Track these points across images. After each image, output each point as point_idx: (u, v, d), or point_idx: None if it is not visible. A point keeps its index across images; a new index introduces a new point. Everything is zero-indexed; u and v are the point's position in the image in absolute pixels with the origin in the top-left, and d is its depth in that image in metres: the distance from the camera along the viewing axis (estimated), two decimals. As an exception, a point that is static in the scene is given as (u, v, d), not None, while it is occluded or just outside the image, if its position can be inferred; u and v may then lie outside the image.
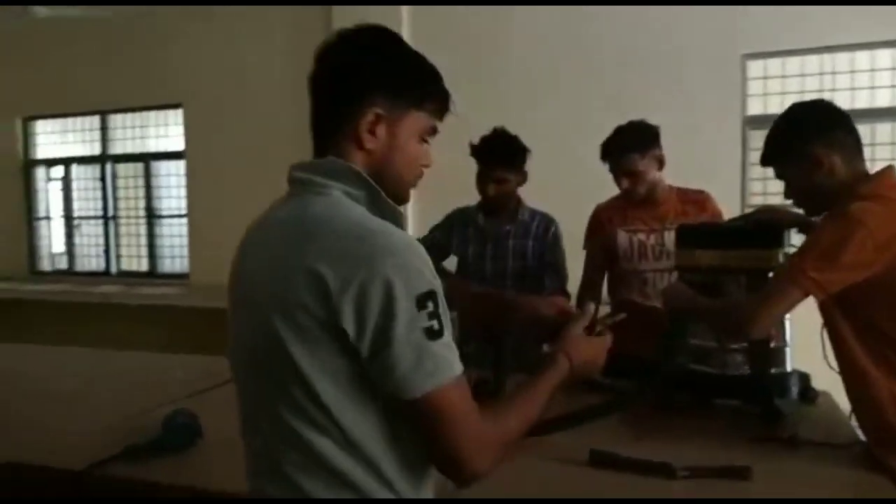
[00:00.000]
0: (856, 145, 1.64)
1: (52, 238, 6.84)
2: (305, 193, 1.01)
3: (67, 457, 1.63)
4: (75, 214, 6.69)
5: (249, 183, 5.71)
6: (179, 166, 6.21)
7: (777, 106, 4.78)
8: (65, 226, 6.73)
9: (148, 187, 6.38)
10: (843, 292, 1.52)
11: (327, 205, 0.98)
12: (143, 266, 6.45)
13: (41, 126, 6.79)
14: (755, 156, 4.70)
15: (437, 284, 0.93)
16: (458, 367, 0.94)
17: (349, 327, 0.89)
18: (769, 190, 4.87)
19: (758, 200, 4.91)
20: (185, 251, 6.22)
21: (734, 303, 1.77)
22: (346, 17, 1.25)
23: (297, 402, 0.93)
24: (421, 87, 1.06)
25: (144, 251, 6.44)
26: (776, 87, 4.76)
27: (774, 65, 4.73)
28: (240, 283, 1.05)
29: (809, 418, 1.89)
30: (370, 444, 0.95)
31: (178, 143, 6.17)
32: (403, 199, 1.08)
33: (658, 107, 4.63)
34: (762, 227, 1.92)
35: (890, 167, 1.64)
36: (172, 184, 6.32)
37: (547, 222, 2.60)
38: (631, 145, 2.36)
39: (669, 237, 2.40)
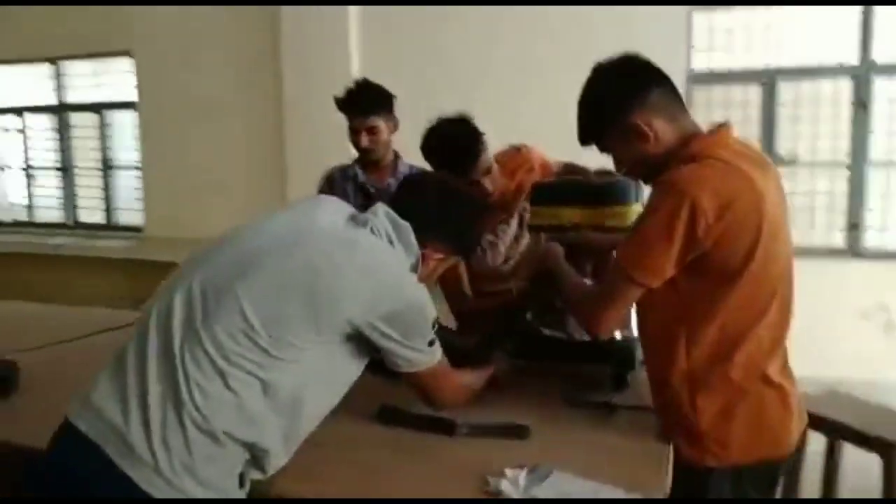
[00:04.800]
0: (676, 101, 1.48)
1: (9, 189, 6.83)
2: (382, 235, 1.36)
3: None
4: (31, 165, 6.66)
5: (200, 136, 5.71)
6: (134, 117, 6.15)
7: (723, 62, 4.68)
8: (23, 176, 6.71)
9: (103, 138, 6.33)
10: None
11: (392, 256, 1.35)
12: (100, 218, 6.44)
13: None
14: (699, 115, 4.65)
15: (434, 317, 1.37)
16: (439, 355, 1.40)
17: (376, 326, 1.27)
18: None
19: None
20: (141, 204, 6.21)
21: (580, 300, 1.59)
22: None
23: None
24: (470, 246, 1.64)
25: (101, 203, 6.42)
26: (721, 42, 4.65)
27: (721, 18, 4.60)
28: (269, 243, 1.27)
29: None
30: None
31: (132, 94, 6.10)
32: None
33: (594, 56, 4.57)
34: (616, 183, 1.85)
35: (725, 124, 1.48)
36: (127, 134, 6.27)
37: (397, 160, 2.55)
38: (477, 144, 2.10)
39: (512, 224, 2.28)
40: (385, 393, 1.61)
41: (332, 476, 1.38)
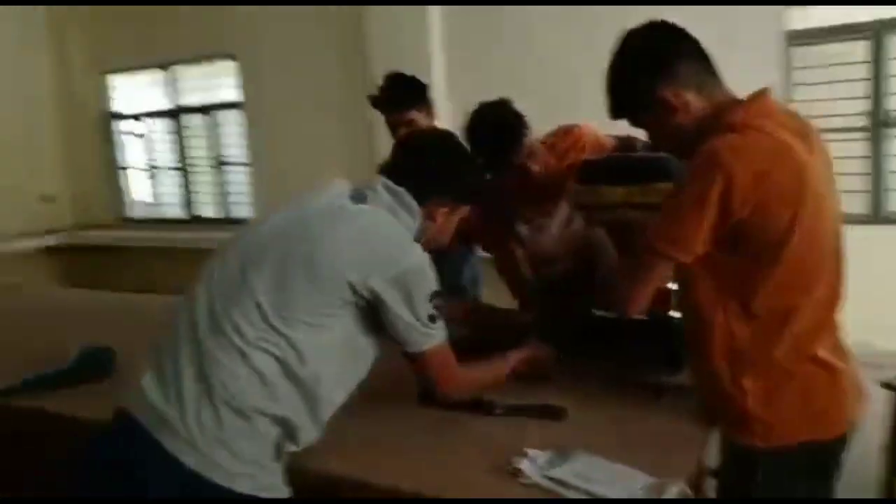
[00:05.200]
0: (706, 70, 1.41)
1: (136, 187, 7.43)
2: (383, 207, 1.42)
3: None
4: (153, 165, 7.21)
5: (302, 132, 5.99)
6: (240, 116, 6.52)
7: (820, 19, 4.36)
8: (146, 175, 7.28)
9: (214, 137, 6.76)
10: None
11: (391, 223, 1.40)
12: (215, 212, 6.89)
13: (119, 81, 7.31)
14: (798, 75, 4.37)
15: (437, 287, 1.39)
16: (444, 337, 1.41)
17: (376, 290, 1.31)
18: (814, 113, 4.49)
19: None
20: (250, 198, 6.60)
21: (609, 279, 1.60)
22: None
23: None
24: (471, 194, 1.58)
25: (215, 198, 6.87)
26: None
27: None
28: (298, 222, 1.37)
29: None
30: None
31: (237, 95, 6.47)
32: (440, 250, 1.56)
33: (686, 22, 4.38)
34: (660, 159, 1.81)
35: (764, 90, 1.40)
36: (235, 133, 6.66)
37: None
38: (520, 126, 2.06)
39: (562, 205, 2.22)
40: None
41: (367, 451, 1.45)
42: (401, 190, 1.44)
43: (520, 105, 2.14)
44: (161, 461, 1.22)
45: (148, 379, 1.30)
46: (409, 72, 2.54)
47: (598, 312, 2.01)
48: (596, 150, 2.19)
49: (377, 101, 2.48)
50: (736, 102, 1.39)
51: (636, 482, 1.20)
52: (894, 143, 4.37)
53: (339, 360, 1.33)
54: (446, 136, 1.63)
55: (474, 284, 2.72)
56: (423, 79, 2.57)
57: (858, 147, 4.42)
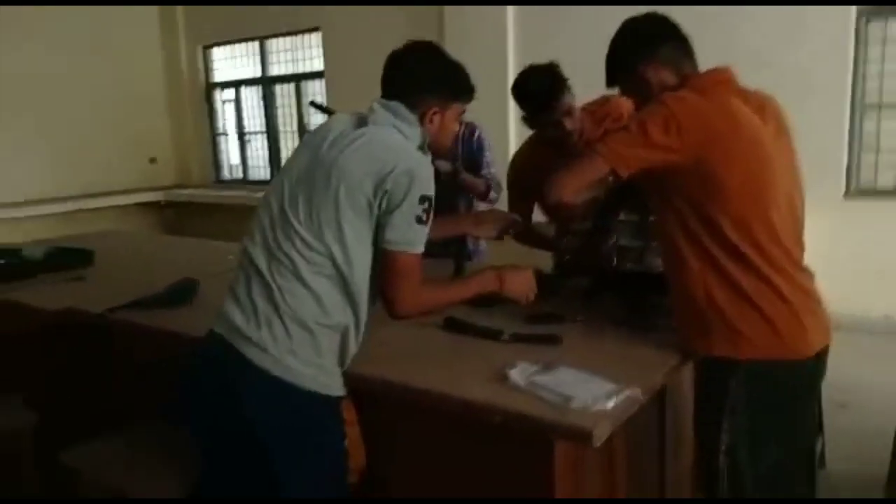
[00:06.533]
0: (682, 52, 1.68)
1: (229, 151, 8.00)
2: (384, 124, 1.58)
3: (94, 305, 2.30)
4: (245, 130, 7.74)
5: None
6: (323, 86, 6.93)
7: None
8: (238, 140, 7.83)
9: (299, 105, 7.20)
10: (662, 181, 1.59)
11: (392, 137, 1.57)
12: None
13: (217, 53, 7.85)
14: (874, 51, 4.34)
15: (433, 194, 1.52)
16: (420, 248, 1.53)
17: (380, 198, 1.48)
18: (887, 88, 4.44)
19: (872, 101, 4.50)
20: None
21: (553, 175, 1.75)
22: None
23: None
24: (459, 88, 1.68)
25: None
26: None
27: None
28: (318, 151, 1.55)
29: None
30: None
31: (321, 65, 6.87)
32: (442, 155, 1.87)
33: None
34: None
35: (725, 66, 1.66)
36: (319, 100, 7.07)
37: (472, 127, 2.90)
38: (559, 83, 2.25)
39: None
40: (456, 308, 1.92)
41: (392, 359, 1.73)
42: (393, 104, 1.59)
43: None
44: (245, 367, 1.50)
45: (229, 305, 1.58)
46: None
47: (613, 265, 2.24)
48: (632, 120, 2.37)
49: None
50: (695, 73, 1.66)
51: (602, 388, 1.43)
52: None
53: (371, 266, 1.54)
54: (423, 44, 1.70)
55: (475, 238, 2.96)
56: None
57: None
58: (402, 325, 1.78)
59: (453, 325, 1.91)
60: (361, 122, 1.60)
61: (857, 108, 4.48)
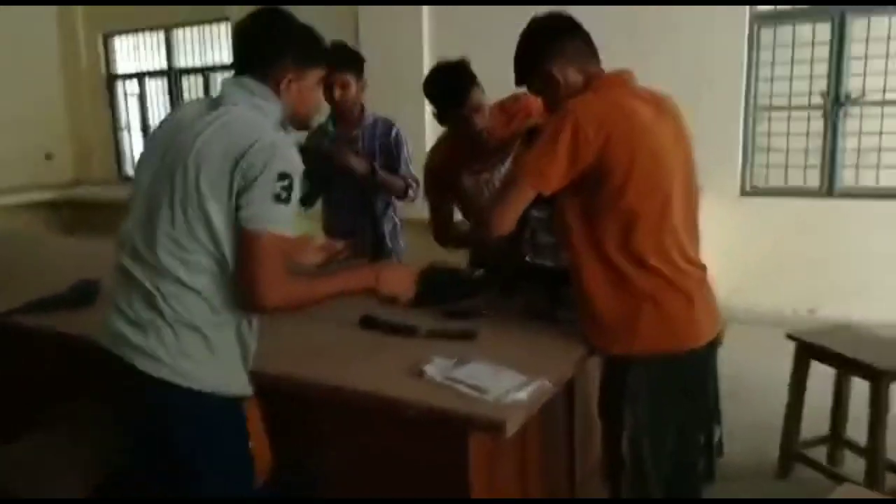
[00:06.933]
0: (586, 49, 1.73)
1: (133, 147, 7.68)
2: (239, 103, 1.46)
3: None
4: (150, 125, 7.46)
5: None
6: (233, 78, 6.76)
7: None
8: (142, 135, 7.52)
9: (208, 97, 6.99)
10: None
11: (246, 115, 1.46)
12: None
13: (118, 42, 7.52)
14: (765, 55, 4.59)
15: (297, 175, 1.42)
16: (284, 229, 1.40)
17: (238, 176, 1.37)
18: (777, 91, 4.73)
19: (764, 102, 4.78)
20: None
21: (483, 207, 1.89)
22: None
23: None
24: (311, 51, 1.58)
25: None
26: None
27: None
28: (171, 142, 1.46)
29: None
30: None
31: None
32: (305, 127, 1.68)
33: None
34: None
35: (624, 69, 1.74)
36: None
37: (389, 124, 2.91)
38: (468, 79, 2.31)
39: (507, 163, 2.43)
40: (367, 306, 1.92)
41: (310, 357, 1.72)
42: (244, 80, 1.49)
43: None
44: (138, 379, 1.42)
45: (113, 317, 1.48)
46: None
47: (528, 260, 2.31)
48: (542, 117, 2.44)
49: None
50: (598, 73, 1.72)
51: (514, 380, 1.48)
52: (849, 121, 4.62)
53: None
54: (266, 9, 1.57)
55: (394, 237, 3.02)
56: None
57: (817, 124, 4.69)
58: (317, 323, 1.78)
59: (370, 323, 1.92)
60: (214, 104, 1.49)
61: (750, 109, 4.75)
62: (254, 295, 1.40)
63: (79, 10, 7.43)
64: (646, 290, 1.64)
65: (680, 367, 1.69)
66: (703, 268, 1.75)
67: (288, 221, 1.41)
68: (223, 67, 6.80)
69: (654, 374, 1.67)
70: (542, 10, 1.79)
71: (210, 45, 6.96)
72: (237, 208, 1.39)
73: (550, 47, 1.71)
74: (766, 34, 4.67)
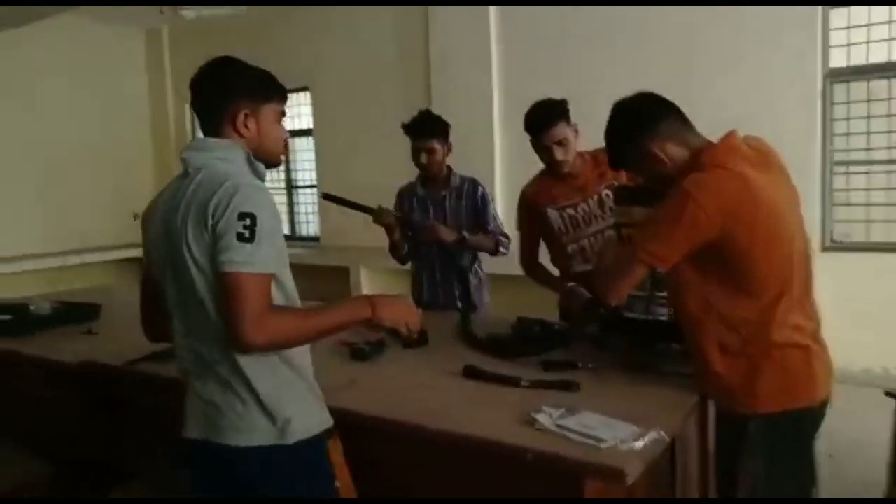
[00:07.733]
0: (683, 125, 1.75)
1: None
2: (206, 162, 1.51)
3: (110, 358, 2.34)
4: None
5: (366, 157, 6.48)
6: (311, 142, 7.09)
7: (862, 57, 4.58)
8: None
9: (287, 161, 7.31)
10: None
11: (219, 167, 1.50)
12: (287, 230, 7.43)
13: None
14: (839, 110, 4.59)
15: (264, 213, 1.42)
16: (260, 268, 1.41)
17: (210, 222, 1.41)
18: (852, 146, 4.69)
19: (841, 157, 4.74)
20: (317, 217, 7.12)
21: (599, 274, 1.95)
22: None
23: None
24: (266, 87, 1.63)
25: (287, 217, 7.42)
26: (861, 37, 4.55)
27: (859, 12, 4.52)
28: (165, 230, 1.53)
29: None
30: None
31: (310, 122, 7.05)
32: (275, 164, 1.66)
33: (729, 61, 4.67)
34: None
35: (731, 132, 1.74)
36: (306, 158, 7.23)
37: (475, 184, 3.07)
38: (557, 115, 2.49)
39: (593, 202, 2.58)
40: (470, 357, 2.02)
41: (413, 410, 1.79)
42: (198, 142, 1.56)
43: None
44: (229, 452, 1.49)
45: (191, 395, 1.58)
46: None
47: (626, 314, 2.35)
48: (630, 180, 2.54)
49: (408, 129, 3.02)
50: (707, 146, 1.73)
51: (626, 430, 1.52)
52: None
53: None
54: (212, 61, 1.62)
55: (478, 291, 3.13)
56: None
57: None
58: (421, 374, 1.85)
59: (472, 373, 1.99)
60: (184, 175, 1.54)
61: (827, 163, 4.72)
62: (236, 335, 1.40)
63: (168, 79, 7.95)
64: (766, 351, 1.67)
65: (798, 424, 1.70)
66: (818, 321, 1.77)
67: (264, 260, 1.41)
68: (304, 132, 7.15)
69: (773, 433, 1.68)
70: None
71: (293, 111, 7.31)
72: (215, 254, 1.41)
73: (645, 126, 1.73)
74: (839, 90, 4.67)
